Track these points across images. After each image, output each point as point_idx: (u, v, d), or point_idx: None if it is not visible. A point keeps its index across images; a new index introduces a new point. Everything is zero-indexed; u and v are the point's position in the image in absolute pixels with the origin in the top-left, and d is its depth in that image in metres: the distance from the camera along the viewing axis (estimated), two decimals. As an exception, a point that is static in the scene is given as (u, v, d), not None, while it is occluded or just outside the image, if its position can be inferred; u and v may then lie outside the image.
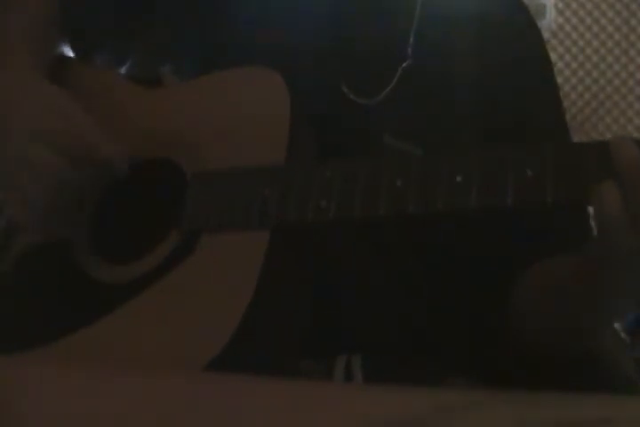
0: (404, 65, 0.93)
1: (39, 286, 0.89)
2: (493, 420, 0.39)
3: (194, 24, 0.97)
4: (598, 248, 0.74)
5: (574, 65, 2.94)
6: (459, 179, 0.71)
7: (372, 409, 0.42)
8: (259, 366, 0.69)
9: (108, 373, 0.48)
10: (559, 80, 1.04)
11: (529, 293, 0.89)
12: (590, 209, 0.72)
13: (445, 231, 0.88)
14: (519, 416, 0.39)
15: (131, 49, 1.00)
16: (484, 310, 0.91)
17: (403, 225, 0.84)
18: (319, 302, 0.80)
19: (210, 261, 0.79)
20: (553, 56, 2.90)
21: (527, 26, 1.03)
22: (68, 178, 0.83)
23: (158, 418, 0.43)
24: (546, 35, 2.83)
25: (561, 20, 2.95)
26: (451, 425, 0.40)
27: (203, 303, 0.77)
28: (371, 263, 0.89)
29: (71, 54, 1.04)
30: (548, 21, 2.90)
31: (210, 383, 0.48)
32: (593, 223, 0.84)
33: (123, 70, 1.01)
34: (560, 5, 2.96)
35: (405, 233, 0.88)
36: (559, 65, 2.87)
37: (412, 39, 0.94)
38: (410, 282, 0.90)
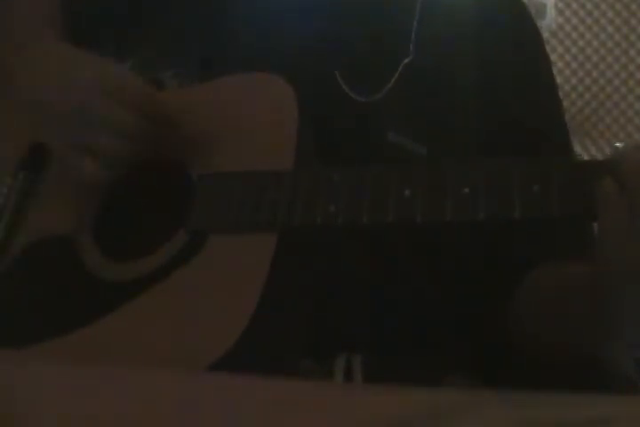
0: (406, 61, 0.93)
1: (41, 284, 0.89)
2: (493, 420, 0.39)
3: (193, 28, 0.97)
4: (600, 256, 0.74)
5: (574, 65, 2.93)
6: (466, 191, 0.72)
7: (372, 409, 0.42)
8: (259, 366, 0.69)
9: (109, 372, 0.48)
10: (559, 80, 1.05)
11: (530, 295, 0.89)
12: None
13: (447, 232, 0.88)
14: (519, 416, 0.39)
15: (130, 53, 1.00)
16: (484, 311, 0.91)
17: (404, 227, 0.84)
18: (320, 302, 0.80)
19: (216, 261, 0.79)
20: (553, 56, 2.90)
21: (527, 25, 1.03)
22: (143, 133, 0.84)
23: (158, 418, 0.43)
24: (546, 35, 2.83)
25: (561, 20, 2.95)
26: (451, 425, 0.40)
27: (207, 304, 0.77)
28: (371, 263, 0.89)
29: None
30: (548, 21, 2.90)
31: (210, 383, 0.48)
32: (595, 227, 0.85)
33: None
34: (560, 5, 2.95)
35: (406, 234, 0.88)
36: (559, 65, 2.87)
37: (413, 35, 0.94)
38: (410, 282, 0.90)
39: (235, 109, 0.86)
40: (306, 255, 0.81)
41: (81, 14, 1.02)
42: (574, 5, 2.97)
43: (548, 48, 1.05)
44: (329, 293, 0.83)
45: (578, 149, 2.78)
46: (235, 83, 0.87)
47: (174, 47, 0.99)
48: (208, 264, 0.79)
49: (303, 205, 0.77)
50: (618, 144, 0.81)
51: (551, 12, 2.93)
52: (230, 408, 0.44)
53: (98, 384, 0.47)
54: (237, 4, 0.96)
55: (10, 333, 0.85)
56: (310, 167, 0.81)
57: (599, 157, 2.78)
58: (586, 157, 2.74)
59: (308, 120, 0.81)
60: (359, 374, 0.84)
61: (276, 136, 0.81)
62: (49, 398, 0.45)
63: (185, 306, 0.79)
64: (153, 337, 0.78)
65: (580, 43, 2.96)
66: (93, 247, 0.88)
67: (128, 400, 0.44)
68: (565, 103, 2.77)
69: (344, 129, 0.91)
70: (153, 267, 0.81)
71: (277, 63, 0.88)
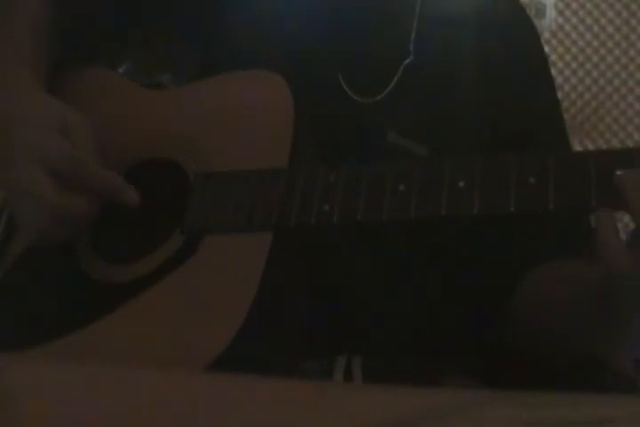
0: (406, 62, 0.93)
1: (40, 285, 0.89)
2: (493, 420, 0.39)
3: (193, 29, 0.97)
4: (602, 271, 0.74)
5: (574, 65, 2.93)
6: (461, 185, 0.72)
7: (372, 409, 0.42)
8: (259, 366, 0.69)
9: (108, 372, 0.48)
10: (559, 80, 1.05)
11: (531, 294, 0.89)
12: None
13: (446, 231, 0.88)
14: (519, 416, 0.39)
15: (129, 54, 1.00)
16: (484, 311, 0.91)
17: (403, 226, 0.84)
18: (319, 303, 0.80)
19: (212, 261, 0.79)
20: (553, 56, 2.90)
21: (526, 25, 1.03)
22: (61, 206, 0.83)
23: (159, 418, 0.43)
24: (546, 35, 2.83)
25: (561, 20, 2.95)
26: (451, 425, 0.40)
27: (204, 304, 0.77)
28: (371, 263, 0.89)
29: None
30: (548, 21, 2.90)
31: (210, 383, 0.48)
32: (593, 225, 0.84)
33: (122, 73, 1.01)
34: (560, 5, 2.95)
35: (406, 233, 0.88)
36: (559, 65, 2.86)
37: (413, 36, 0.94)
38: (410, 282, 0.90)
39: (231, 108, 0.86)
40: (302, 255, 0.81)
41: (80, 15, 1.02)
42: (574, 5, 2.97)
43: (548, 48, 1.06)
44: (328, 293, 0.83)
45: (578, 149, 2.78)
46: (232, 80, 0.88)
47: (174, 48, 0.99)
48: (205, 264, 0.79)
49: (297, 205, 0.77)
50: None
51: (551, 12, 2.93)
52: (230, 408, 0.44)
53: (98, 384, 0.47)
54: (237, 4, 0.96)
55: (10, 335, 0.85)
56: (307, 166, 0.81)
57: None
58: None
59: (306, 119, 0.82)
60: (359, 374, 0.84)
61: (272, 135, 0.82)
62: (49, 398, 0.45)
63: (182, 306, 0.79)
64: (151, 337, 0.78)
65: (580, 43, 2.96)
66: (91, 249, 0.88)
67: (127, 400, 0.44)
68: (565, 103, 2.77)
69: (345, 129, 0.91)
70: (150, 268, 0.81)
71: (277, 64, 0.88)
